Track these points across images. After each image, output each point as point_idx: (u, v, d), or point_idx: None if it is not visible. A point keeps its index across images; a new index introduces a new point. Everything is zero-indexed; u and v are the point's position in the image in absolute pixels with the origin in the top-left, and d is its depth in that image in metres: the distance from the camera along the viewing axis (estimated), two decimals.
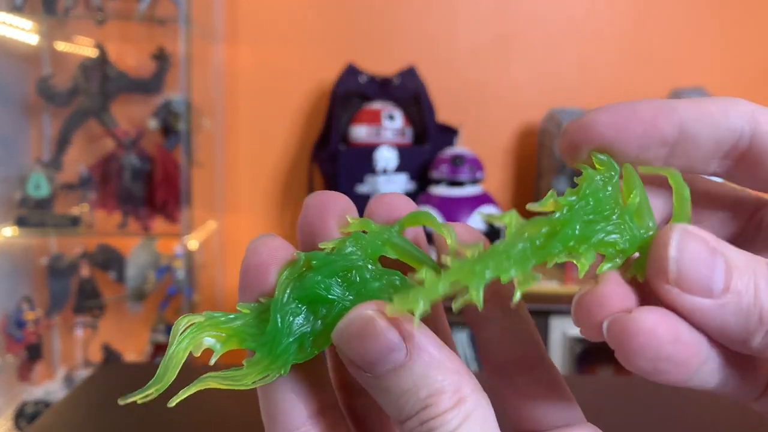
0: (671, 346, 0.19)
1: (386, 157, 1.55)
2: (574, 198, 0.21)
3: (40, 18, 1.63)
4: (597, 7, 1.82)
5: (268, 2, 1.80)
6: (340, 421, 0.22)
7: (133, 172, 1.62)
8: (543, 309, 1.42)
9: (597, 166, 0.22)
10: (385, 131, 1.59)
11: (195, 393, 0.21)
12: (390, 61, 1.74)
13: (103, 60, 1.64)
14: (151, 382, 0.21)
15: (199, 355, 0.22)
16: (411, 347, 0.19)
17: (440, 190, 1.47)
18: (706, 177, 0.23)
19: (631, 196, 0.21)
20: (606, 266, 0.21)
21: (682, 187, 0.21)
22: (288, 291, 0.21)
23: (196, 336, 0.21)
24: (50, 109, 1.73)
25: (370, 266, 0.22)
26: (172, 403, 0.20)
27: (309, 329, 0.21)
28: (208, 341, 0.21)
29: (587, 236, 0.21)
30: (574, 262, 0.21)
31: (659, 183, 0.23)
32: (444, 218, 1.42)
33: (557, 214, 0.21)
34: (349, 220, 0.22)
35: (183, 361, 0.21)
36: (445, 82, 1.79)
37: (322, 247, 0.22)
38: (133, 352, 1.79)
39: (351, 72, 1.66)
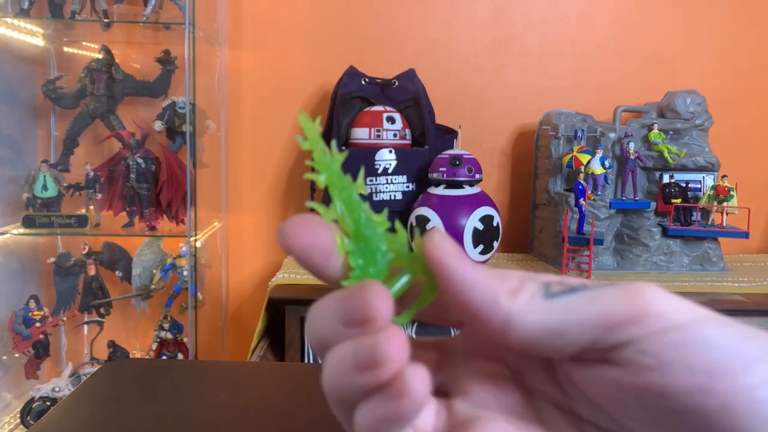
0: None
1: (386, 158, 1.57)
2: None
3: (47, 22, 1.64)
4: (592, 10, 1.83)
5: (271, 7, 1.81)
6: None
7: (138, 173, 1.63)
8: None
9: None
10: (385, 133, 1.60)
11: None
12: (390, 65, 1.76)
13: (109, 63, 1.65)
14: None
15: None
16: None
17: (439, 191, 1.49)
18: None
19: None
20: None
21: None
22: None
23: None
24: (57, 111, 1.75)
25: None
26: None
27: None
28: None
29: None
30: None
31: None
32: (443, 219, 1.44)
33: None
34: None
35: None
36: (444, 85, 1.81)
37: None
38: (139, 350, 1.81)
39: (352, 75, 1.67)
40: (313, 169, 0.27)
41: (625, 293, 0.22)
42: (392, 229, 0.28)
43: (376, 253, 0.27)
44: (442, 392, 0.28)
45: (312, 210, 0.28)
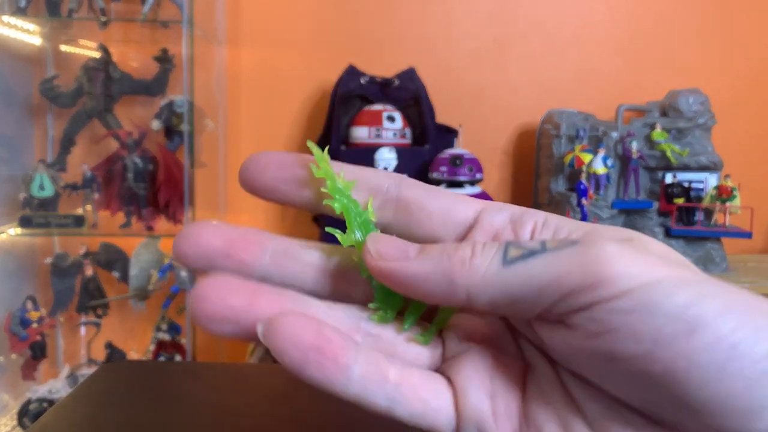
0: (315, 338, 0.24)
1: (386, 158, 1.56)
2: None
3: (44, 20, 1.63)
4: (594, 9, 1.83)
5: (269, 5, 1.81)
6: None
7: (136, 173, 1.63)
8: None
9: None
10: (385, 132, 1.60)
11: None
12: (390, 63, 1.75)
13: (106, 62, 1.65)
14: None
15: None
16: None
17: None
18: None
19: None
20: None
21: None
22: None
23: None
24: (54, 110, 1.74)
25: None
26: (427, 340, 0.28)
27: None
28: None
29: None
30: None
31: None
32: None
33: None
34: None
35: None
36: (445, 84, 1.80)
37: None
38: (136, 351, 1.80)
39: (351, 74, 1.66)
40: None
41: (582, 258, 0.22)
42: None
43: None
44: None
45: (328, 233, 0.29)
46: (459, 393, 0.25)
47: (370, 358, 0.25)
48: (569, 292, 0.22)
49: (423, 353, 0.27)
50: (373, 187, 0.29)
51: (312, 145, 0.29)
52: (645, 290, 0.21)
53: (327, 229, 0.29)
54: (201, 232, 0.27)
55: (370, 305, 0.27)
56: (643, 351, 0.21)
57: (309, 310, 0.26)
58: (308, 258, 0.29)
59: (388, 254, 0.25)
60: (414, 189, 0.29)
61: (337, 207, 0.28)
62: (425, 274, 0.24)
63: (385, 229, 0.29)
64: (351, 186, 0.29)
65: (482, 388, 0.25)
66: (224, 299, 0.25)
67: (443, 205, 0.29)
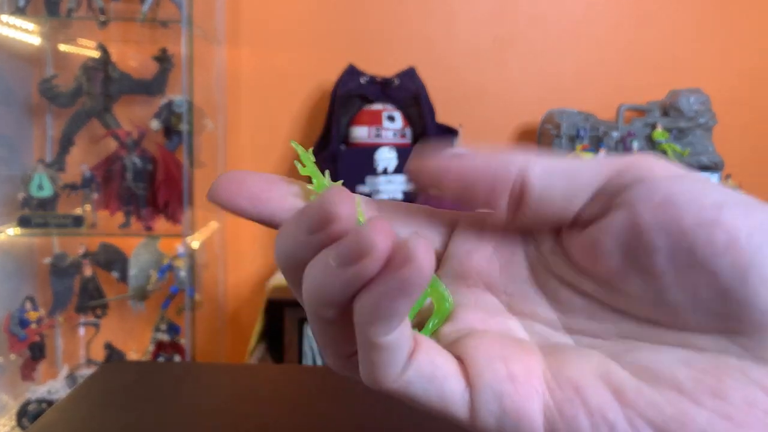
0: None
1: (386, 157, 1.56)
2: None
3: (43, 19, 1.63)
4: (595, 8, 1.82)
5: (269, 4, 1.80)
6: None
7: (135, 173, 1.62)
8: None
9: None
10: (385, 132, 1.59)
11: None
12: (390, 63, 1.75)
13: (105, 61, 1.64)
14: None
15: None
16: None
17: None
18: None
19: None
20: None
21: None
22: None
23: None
24: (53, 110, 1.74)
25: None
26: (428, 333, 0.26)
27: None
28: None
29: None
30: None
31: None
32: None
33: None
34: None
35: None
36: (445, 83, 1.80)
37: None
38: (135, 351, 1.80)
39: (351, 73, 1.66)
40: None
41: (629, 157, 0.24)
42: None
43: None
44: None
45: None
46: (470, 364, 0.23)
47: None
48: (623, 168, 0.23)
49: None
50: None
51: (296, 145, 0.28)
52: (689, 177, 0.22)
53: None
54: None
55: None
56: (709, 218, 0.21)
57: None
58: None
59: (445, 155, 0.25)
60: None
61: None
62: (478, 161, 0.24)
63: None
64: (338, 185, 0.28)
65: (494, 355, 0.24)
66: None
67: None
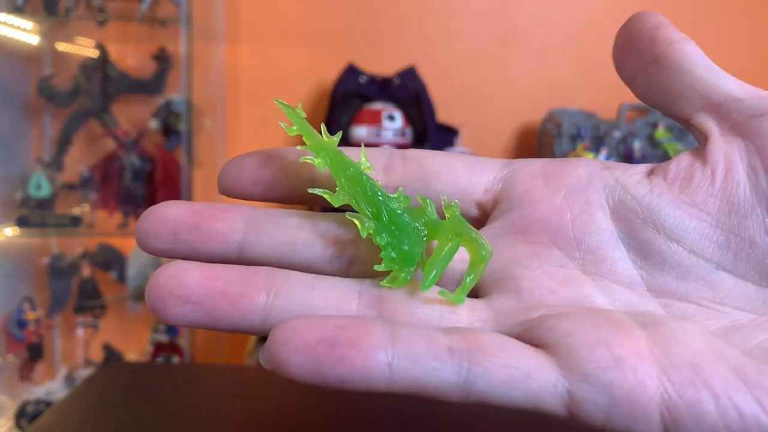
0: None
1: None
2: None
3: (41, 18, 1.63)
4: (596, 7, 1.82)
5: (268, 3, 1.80)
6: None
7: (133, 172, 1.62)
8: None
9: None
10: (385, 131, 1.59)
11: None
12: (390, 62, 1.74)
13: (104, 60, 1.64)
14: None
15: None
16: None
17: None
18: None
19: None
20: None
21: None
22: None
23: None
24: (51, 109, 1.73)
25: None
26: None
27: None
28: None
29: None
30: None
31: None
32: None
33: None
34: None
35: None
36: (445, 83, 1.80)
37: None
38: (133, 352, 1.79)
39: (351, 72, 1.66)
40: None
41: None
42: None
43: (404, 228, 0.23)
44: None
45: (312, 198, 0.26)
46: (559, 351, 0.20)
47: (410, 332, 0.20)
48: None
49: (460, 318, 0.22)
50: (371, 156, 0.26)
51: (280, 102, 0.25)
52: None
53: (309, 189, 0.25)
54: (165, 207, 0.24)
55: (376, 267, 0.22)
56: None
57: (288, 283, 0.22)
58: (292, 221, 0.24)
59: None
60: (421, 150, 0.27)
61: (319, 163, 0.24)
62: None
63: (394, 192, 0.25)
64: (336, 141, 0.25)
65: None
66: (179, 277, 0.21)
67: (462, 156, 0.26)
